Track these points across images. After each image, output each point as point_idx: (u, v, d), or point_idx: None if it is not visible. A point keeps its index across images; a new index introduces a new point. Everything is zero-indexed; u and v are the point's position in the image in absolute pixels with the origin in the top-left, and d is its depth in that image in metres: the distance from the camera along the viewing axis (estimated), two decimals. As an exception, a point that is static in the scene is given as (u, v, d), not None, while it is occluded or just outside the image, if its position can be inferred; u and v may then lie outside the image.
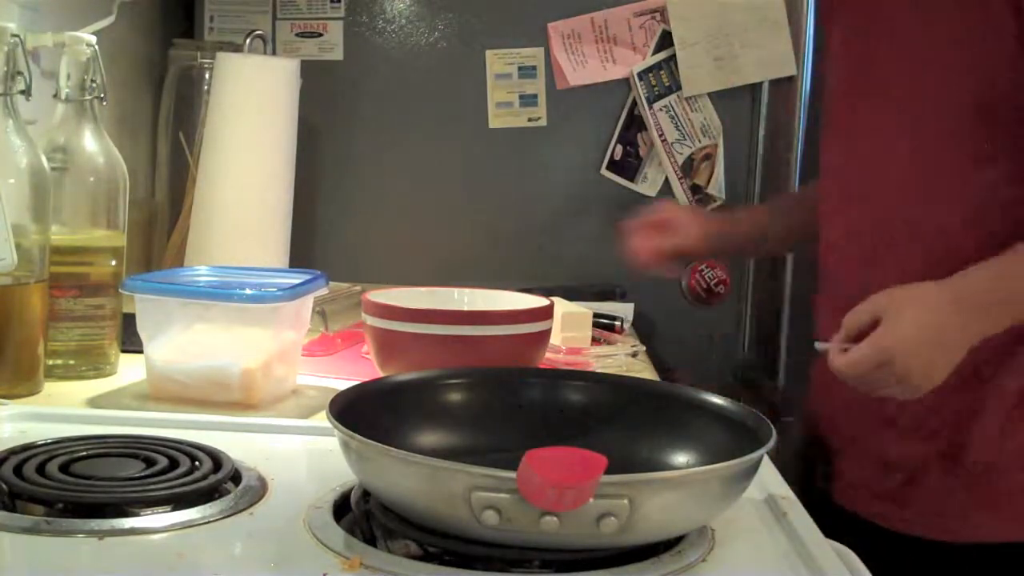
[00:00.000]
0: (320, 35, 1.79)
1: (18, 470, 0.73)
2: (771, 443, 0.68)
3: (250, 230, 1.54)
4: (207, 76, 1.65)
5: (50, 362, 1.06)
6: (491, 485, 0.60)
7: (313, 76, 1.66)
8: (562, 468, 0.58)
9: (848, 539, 0.71)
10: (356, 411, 0.72)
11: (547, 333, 1.07)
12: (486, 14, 1.78)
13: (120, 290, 1.03)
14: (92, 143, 1.10)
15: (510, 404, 0.82)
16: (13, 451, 0.77)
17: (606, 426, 0.80)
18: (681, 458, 0.77)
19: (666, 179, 1.76)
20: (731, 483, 0.67)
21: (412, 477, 0.63)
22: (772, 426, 0.70)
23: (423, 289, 1.15)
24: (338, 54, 1.80)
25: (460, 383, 0.84)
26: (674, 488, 0.64)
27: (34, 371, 1.02)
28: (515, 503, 0.59)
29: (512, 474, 0.59)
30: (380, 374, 1.02)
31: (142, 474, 0.74)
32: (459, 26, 1.79)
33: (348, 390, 0.77)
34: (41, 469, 0.74)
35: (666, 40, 1.74)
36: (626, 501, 0.59)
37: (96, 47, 1.09)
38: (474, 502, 0.60)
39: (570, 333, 1.29)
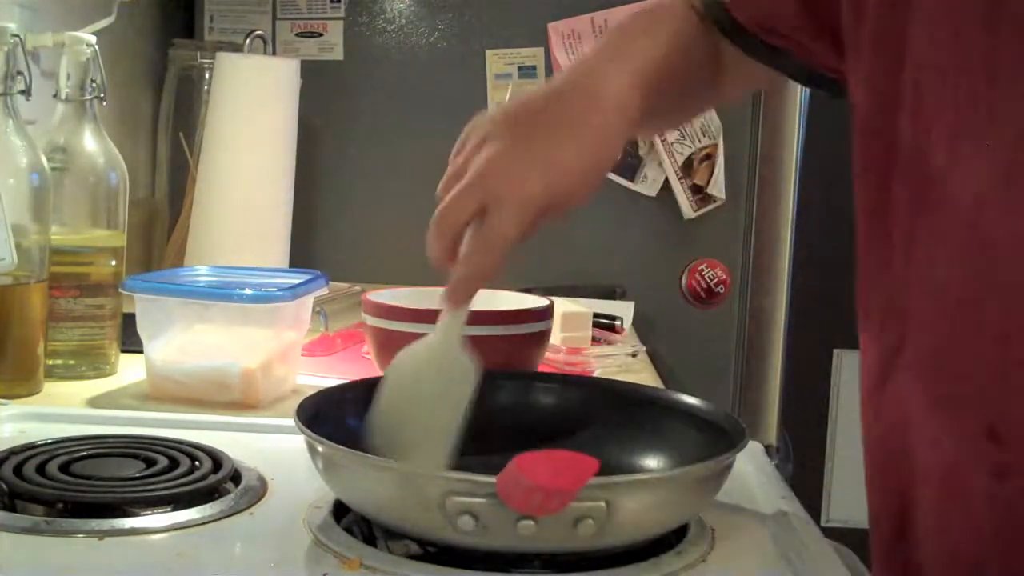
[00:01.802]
0: (320, 35, 1.79)
1: (18, 470, 0.73)
2: (743, 444, 0.68)
3: (250, 230, 1.54)
4: (207, 76, 1.65)
5: (50, 362, 1.06)
6: (467, 490, 0.59)
7: (313, 76, 1.66)
8: (554, 472, 0.58)
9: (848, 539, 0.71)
10: (330, 415, 0.72)
11: (547, 333, 1.07)
12: (486, 14, 1.78)
13: (120, 290, 1.03)
14: (92, 143, 1.10)
15: (479, 407, 0.81)
16: (13, 451, 0.77)
17: (577, 429, 0.80)
18: (652, 460, 0.77)
19: (666, 179, 1.76)
20: (705, 484, 0.67)
21: (385, 483, 0.63)
22: (744, 428, 0.71)
23: (423, 289, 1.15)
24: (338, 54, 1.80)
25: None
26: (651, 490, 0.64)
27: (34, 371, 1.02)
28: (492, 508, 0.59)
29: (488, 479, 0.59)
30: (380, 374, 1.02)
31: (142, 474, 0.74)
32: (459, 26, 1.79)
33: (321, 393, 0.77)
34: (41, 469, 0.74)
35: (666, 40, 1.74)
36: (603, 504, 0.59)
37: (96, 47, 1.09)
38: (449, 507, 0.59)
39: (570, 333, 1.29)
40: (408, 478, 0.62)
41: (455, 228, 0.73)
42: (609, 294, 1.67)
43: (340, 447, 0.65)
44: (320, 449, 0.66)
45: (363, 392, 0.81)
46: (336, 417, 0.75)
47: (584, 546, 0.62)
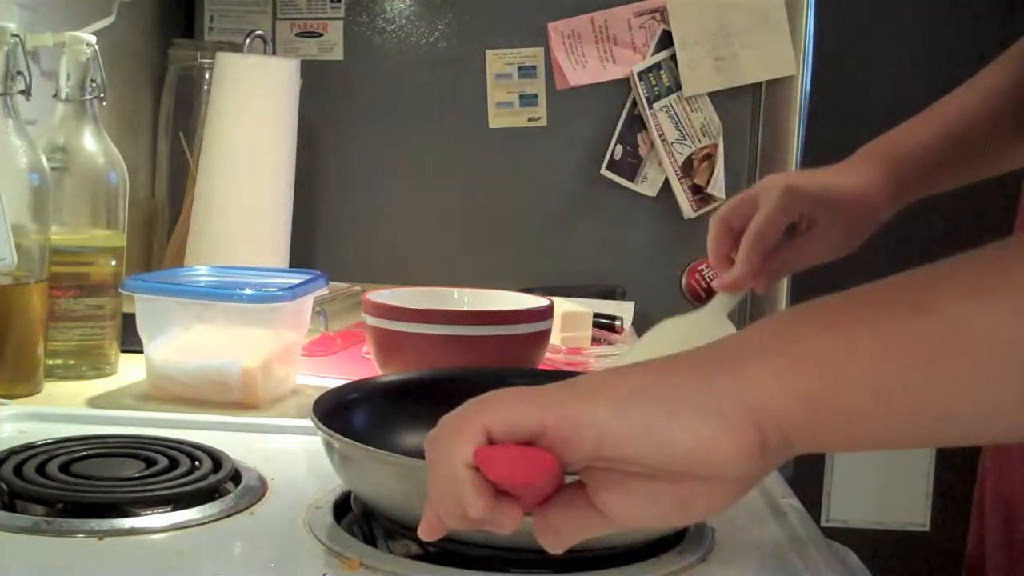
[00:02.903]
0: (320, 35, 1.79)
1: (18, 470, 0.73)
2: None
3: (250, 230, 1.54)
4: (207, 76, 1.65)
5: (50, 362, 1.06)
6: None
7: (313, 76, 1.66)
8: (511, 467, 0.58)
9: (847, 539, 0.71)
10: (342, 412, 0.73)
11: (547, 333, 1.07)
12: (486, 14, 1.78)
13: (120, 290, 1.03)
14: (92, 143, 1.10)
15: None
16: (13, 451, 0.77)
17: None
18: None
19: (666, 179, 1.76)
20: None
21: (390, 476, 0.64)
22: None
23: (423, 289, 1.15)
24: (338, 54, 1.80)
25: (448, 384, 0.84)
26: None
27: (34, 371, 1.02)
28: None
29: None
30: (380, 374, 1.02)
31: (142, 474, 0.74)
32: (459, 26, 1.79)
33: (333, 391, 0.77)
34: (41, 469, 0.74)
35: (666, 40, 1.74)
36: None
37: (96, 47, 1.09)
38: None
39: (570, 333, 1.29)
40: (412, 472, 0.62)
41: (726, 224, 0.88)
42: (609, 294, 1.67)
43: (353, 443, 0.65)
44: (336, 445, 0.66)
45: (371, 391, 0.81)
46: (347, 414, 0.76)
47: (584, 544, 0.62)
